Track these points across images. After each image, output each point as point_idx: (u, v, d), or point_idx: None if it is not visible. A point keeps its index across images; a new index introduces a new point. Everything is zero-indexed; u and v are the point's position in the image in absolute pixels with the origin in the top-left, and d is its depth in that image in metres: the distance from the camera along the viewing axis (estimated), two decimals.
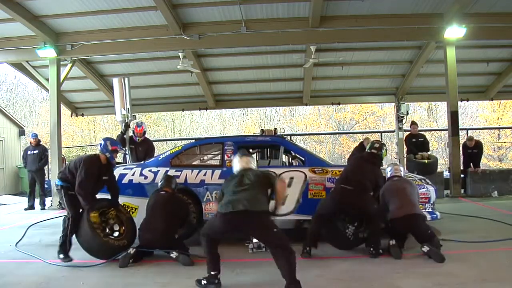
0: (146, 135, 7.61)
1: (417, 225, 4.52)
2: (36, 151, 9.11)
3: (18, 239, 5.58)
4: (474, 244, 4.89)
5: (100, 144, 4.82)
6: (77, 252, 5.01)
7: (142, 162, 5.91)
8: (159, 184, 5.09)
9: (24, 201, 10.47)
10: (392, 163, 5.45)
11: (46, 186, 9.61)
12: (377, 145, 5.10)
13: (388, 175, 5.03)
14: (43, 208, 9.03)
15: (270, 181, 3.92)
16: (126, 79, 7.00)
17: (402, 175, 5.05)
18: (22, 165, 12.84)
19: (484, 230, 5.58)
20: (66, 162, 11.30)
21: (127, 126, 6.98)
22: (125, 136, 7.05)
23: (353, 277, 3.91)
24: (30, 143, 9.33)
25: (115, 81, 7.02)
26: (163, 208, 4.71)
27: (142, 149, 7.24)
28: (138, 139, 7.28)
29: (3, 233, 6.60)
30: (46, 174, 10.11)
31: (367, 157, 5.04)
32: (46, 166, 9.95)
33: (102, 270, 4.35)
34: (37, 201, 9.25)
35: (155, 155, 6.93)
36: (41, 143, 9.45)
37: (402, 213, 4.52)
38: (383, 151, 5.06)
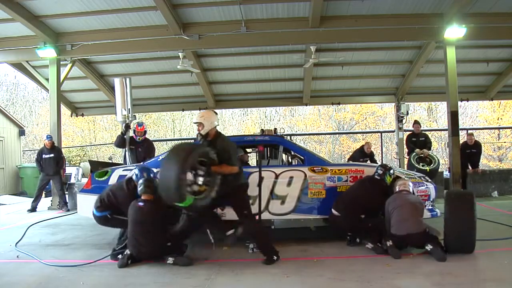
0: (147, 136, 7.63)
1: (418, 241, 4.53)
2: (52, 155, 8.81)
3: (18, 239, 5.59)
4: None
5: (136, 175, 4.77)
6: (77, 252, 5.02)
7: (142, 163, 5.90)
8: (139, 190, 4.63)
9: (24, 201, 10.48)
10: (402, 178, 5.32)
11: (47, 186, 9.59)
12: (380, 171, 5.11)
13: (397, 189, 4.93)
14: (67, 210, 8.71)
15: None
16: (128, 80, 6.93)
17: (411, 190, 4.95)
18: (22, 165, 12.89)
19: (484, 230, 5.57)
20: (66, 162, 11.30)
21: (127, 126, 6.92)
22: (125, 136, 7.01)
23: (353, 277, 3.91)
24: (45, 145, 8.91)
25: (116, 81, 6.96)
26: (149, 222, 4.45)
27: (142, 149, 7.25)
28: (139, 139, 7.31)
29: (3, 233, 6.60)
30: None
31: (369, 184, 5.08)
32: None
33: (102, 270, 4.35)
34: (42, 204, 9.21)
35: (155, 156, 6.93)
36: (55, 145, 9.09)
37: (405, 231, 4.50)
38: (386, 176, 5.05)
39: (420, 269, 4.07)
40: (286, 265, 4.34)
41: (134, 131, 7.34)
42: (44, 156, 8.84)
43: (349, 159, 9.44)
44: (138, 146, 7.24)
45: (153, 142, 8.15)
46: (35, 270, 4.41)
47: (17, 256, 4.93)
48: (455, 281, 3.71)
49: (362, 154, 9.19)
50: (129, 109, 6.93)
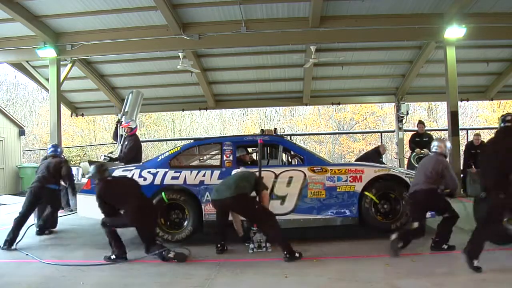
0: (142, 136, 7.89)
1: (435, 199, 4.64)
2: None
3: (18, 239, 5.59)
4: None
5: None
6: (77, 252, 5.03)
7: (141, 163, 5.88)
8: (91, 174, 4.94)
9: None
10: (437, 138, 5.38)
11: None
12: (509, 117, 4.48)
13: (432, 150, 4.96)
14: (71, 210, 8.63)
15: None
16: (141, 95, 8.48)
17: (445, 152, 4.85)
18: (22, 165, 12.89)
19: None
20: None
21: (118, 122, 7.89)
22: (118, 131, 7.84)
23: (353, 277, 3.91)
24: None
25: (135, 92, 8.40)
26: None
27: (125, 144, 7.47)
28: (125, 134, 7.58)
29: (3, 233, 6.59)
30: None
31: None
32: None
33: (102, 270, 4.35)
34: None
35: (135, 154, 7.13)
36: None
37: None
38: None
39: (420, 269, 4.07)
40: (286, 265, 4.34)
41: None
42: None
43: (362, 159, 9.47)
44: (125, 140, 7.54)
45: (154, 142, 8.62)
46: (35, 270, 4.41)
47: (26, 255, 4.97)
48: (455, 281, 3.71)
49: (378, 155, 9.34)
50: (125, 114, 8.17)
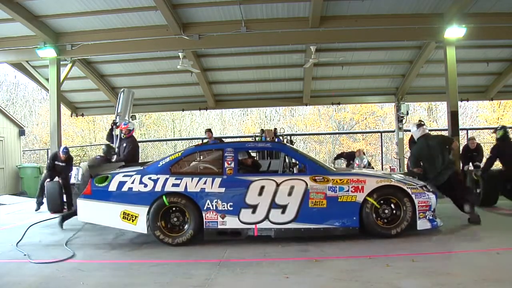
0: (142, 136, 7.90)
1: None
2: (65, 164, 8.89)
3: (18, 239, 5.59)
4: (474, 244, 4.91)
5: None
6: (77, 252, 5.03)
7: (142, 168, 5.82)
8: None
9: (24, 201, 10.48)
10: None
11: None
12: None
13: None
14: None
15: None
16: (131, 93, 8.35)
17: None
18: (22, 165, 12.89)
19: (486, 229, 5.58)
20: None
21: (113, 124, 7.92)
22: (113, 132, 7.84)
23: (353, 277, 3.91)
24: (60, 157, 8.84)
25: (125, 91, 8.33)
26: None
27: (123, 146, 7.50)
28: (123, 136, 7.63)
29: (3, 233, 6.60)
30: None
31: None
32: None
33: (102, 270, 4.35)
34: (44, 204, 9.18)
35: (133, 154, 7.24)
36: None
37: None
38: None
39: (420, 269, 4.07)
40: (286, 265, 4.33)
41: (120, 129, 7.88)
42: (56, 162, 8.88)
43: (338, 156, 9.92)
44: (122, 142, 7.59)
45: (153, 142, 8.55)
46: (36, 270, 4.41)
47: (25, 255, 4.95)
48: (455, 281, 3.71)
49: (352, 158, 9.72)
50: (119, 115, 8.19)
